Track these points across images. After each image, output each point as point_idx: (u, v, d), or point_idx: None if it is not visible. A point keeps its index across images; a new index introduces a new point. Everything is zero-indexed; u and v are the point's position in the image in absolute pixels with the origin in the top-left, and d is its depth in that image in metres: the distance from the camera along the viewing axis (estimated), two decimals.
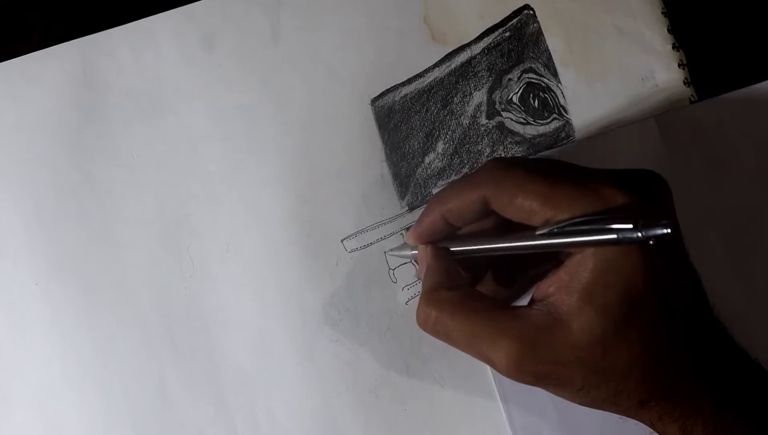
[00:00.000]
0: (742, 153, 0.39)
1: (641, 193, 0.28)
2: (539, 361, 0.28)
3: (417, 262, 0.38)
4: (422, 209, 0.38)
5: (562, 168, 0.30)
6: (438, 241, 0.34)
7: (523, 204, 0.29)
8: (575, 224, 0.27)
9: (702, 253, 0.31)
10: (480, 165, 0.39)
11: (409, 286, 0.38)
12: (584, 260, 0.28)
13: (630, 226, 0.26)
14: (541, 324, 0.28)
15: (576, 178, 0.29)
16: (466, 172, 0.39)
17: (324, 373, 0.37)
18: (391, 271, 0.38)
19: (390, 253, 0.38)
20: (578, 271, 0.28)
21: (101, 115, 0.38)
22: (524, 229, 0.30)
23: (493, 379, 0.37)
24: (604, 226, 0.27)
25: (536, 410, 0.37)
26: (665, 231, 0.25)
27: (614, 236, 0.26)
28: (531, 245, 0.29)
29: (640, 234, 0.26)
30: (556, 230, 0.28)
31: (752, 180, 0.39)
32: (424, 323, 0.31)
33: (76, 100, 0.38)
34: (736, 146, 0.39)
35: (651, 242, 0.26)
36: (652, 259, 0.27)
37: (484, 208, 0.31)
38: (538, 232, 0.29)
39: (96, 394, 0.36)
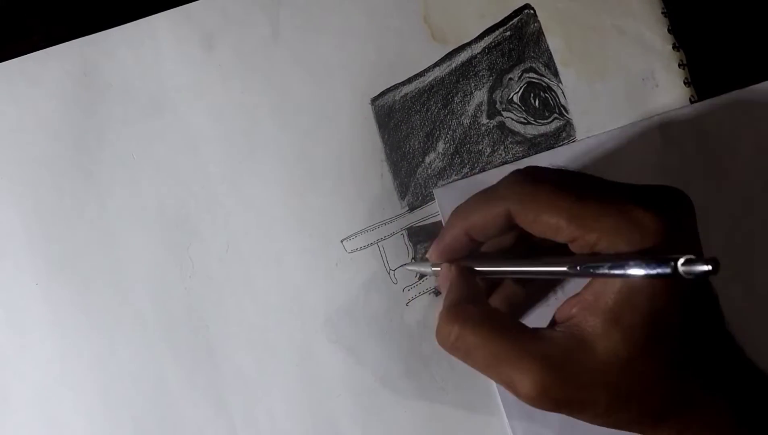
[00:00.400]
0: (742, 153, 0.39)
1: (667, 213, 0.27)
2: (565, 385, 0.27)
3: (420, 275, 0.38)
4: (422, 209, 0.38)
5: (586, 182, 0.29)
6: (462, 260, 0.33)
7: (549, 221, 0.28)
8: (613, 262, 0.26)
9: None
10: (487, 170, 0.39)
11: (409, 288, 0.38)
12: (611, 282, 0.27)
13: (669, 270, 0.25)
14: (566, 346, 0.27)
15: (602, 195, 0.28)
16: (467, 173, 0.39)
17: (324, 374, 0.37)
18: (391, 272, 0.38)
19: (408, 268, 0.38)
20: (605, 291, 0.27)
21: (101, 115, 0.38)
22: (548, 246, 0.29)
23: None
24: (647, 271, 0.25)
25: (537, 412, 0.37)
26: (707, 268, 0.24)
27: (654, 272, 0.25)
28: (562, 272, 0.28)
29: (681, 270, 0.25)
30: (590, 268, 0.27)
31: (752, 180, 0.39)
32: (444, 339, 0.30)
33: (76, 100, 0.38)
34: (736, 146, 0.39)
35: (689, 277, 0.25)
36: (678, 282, 0.27)
37: (508, 222, 0.30)
38: (569, 269, 0.28)
39: (96, 394, 0.36)
